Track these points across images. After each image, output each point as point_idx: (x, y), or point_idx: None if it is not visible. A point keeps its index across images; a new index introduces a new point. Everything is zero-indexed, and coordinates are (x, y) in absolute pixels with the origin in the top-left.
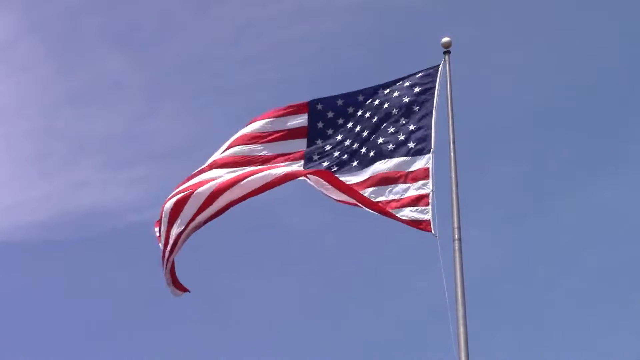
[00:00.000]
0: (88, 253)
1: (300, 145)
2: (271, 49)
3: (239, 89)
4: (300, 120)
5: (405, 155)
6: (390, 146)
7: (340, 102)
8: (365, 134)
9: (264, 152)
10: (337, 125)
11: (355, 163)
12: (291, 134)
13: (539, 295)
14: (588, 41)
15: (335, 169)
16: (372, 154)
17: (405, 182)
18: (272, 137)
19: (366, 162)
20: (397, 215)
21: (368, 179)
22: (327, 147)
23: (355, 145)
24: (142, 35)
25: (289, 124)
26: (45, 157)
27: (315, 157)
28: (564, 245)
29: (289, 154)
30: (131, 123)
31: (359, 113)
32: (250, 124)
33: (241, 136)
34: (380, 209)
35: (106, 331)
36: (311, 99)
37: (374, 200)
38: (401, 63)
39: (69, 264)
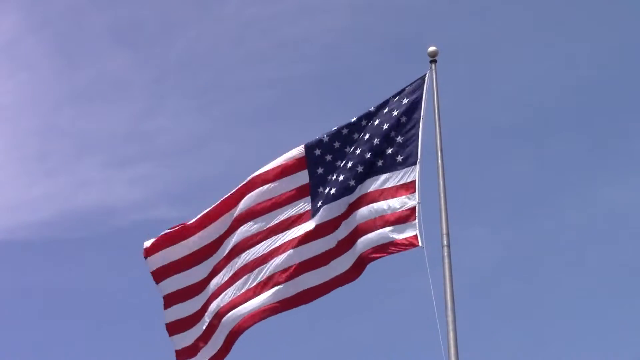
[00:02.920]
0: (91, 252)
1: (305, 205)
2: (274, 47)
3: (242, 87)
4: (301, 176)
5: (394, 170)
6: (380, 162)
7: (337, 144)
8: (359, 151)
9: (268, 225)
10: (337, 168)
11: (352, 182)
12: (294, 196)
13: (541, 294)
14: (591, 38)
15: (334, 191)
16: (361, 169)
17: (393, 197)
18: (275, 204)
19: (359, 179)
20: (382, 241)
21: (358, 199)
22: (330, 178)
23: (350, 164)
24: (145, 34)
25: (290, 185)
26: (48, 156)
27: (319, 203)
28: (568, 243)
29: (295, 217)
30: (134, 121)
31: (358, 136)
32: (249, 188)
33: (245, 212)
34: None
35: (109, 330)
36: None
37: (363, 222)
38: (404, 61)
39: (72, 262)
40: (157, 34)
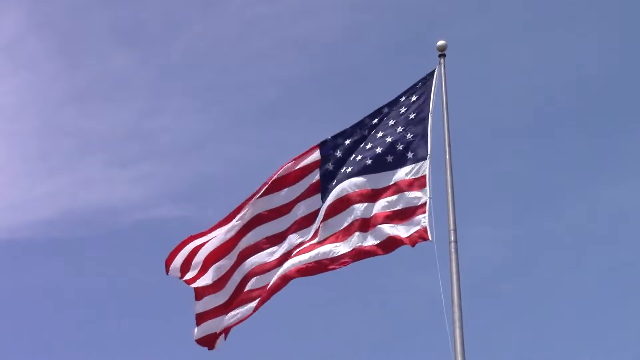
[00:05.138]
0: (93, 251)
1: (315, 202)
2: (277, 45)
3: (244, 86)
4: (313, 175)
5: (404, 166)
6: (390, 159)
7: (348, 141)
8: (369, 147)
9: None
10: (347, 156)
11: (355, 171)
12: (305, 195)
13: (543, 293)
14: (595, 37)
15: (334, 182)
16: (369, 162)
17: (404, 192)
18: (288, 207)
19: (366, 172)
20: (391, 233)
21: (368, 194)
22: (337, 172)
23: (359, 157)
24: (147, 32)
25: (303, 187)
26: (50, 155)
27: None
28: (569, 243)
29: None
30: (137, 120)
31: (369, 133)
32: (266, 189)
33: (258, 215)
34: (369, 253)
35: (111, 329)
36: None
37: (369, 216)
38: (406, 59)
39: (74, 261)
40: (159, 33)
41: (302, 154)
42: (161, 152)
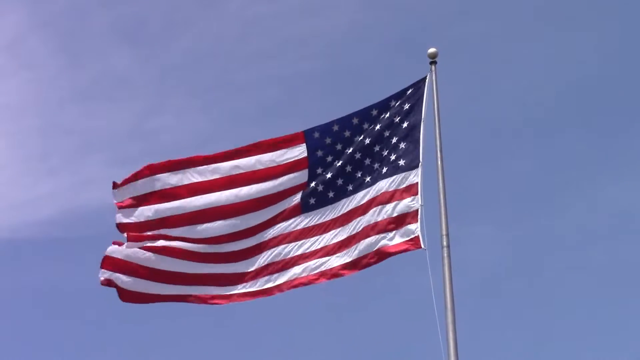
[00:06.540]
0: (94, 250)
1: (302, 177)
2: (278, 45)
3: (246, 86)
4: (299, 151)
5: (396, 174)
6: (383, 168)
7: (335, 127)
8: (359, 157)
9: (261, 195)
10: (336, 152)
11: (350, 187)
12: (290, 166)
13: (545, 293)
14: (593, 36)
15: (332, 194)
16: (368, 179)
17: (394, 201)
18: (269, 173)
19: (360, 187)
20: (383, 243)
21: (361, 204)
22: (329, 176)
23: (351, 170)
24: (148, 32)
25: (286, 156)
26: (51, 154)
27: (312, 201)
28: (571, 242)
29: (289, 189)
30: (138, 120)
31: (355, 137)
32: (240, 154)
33: (234, 176)
34: (358, 266)
35: (111, 329)
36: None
37: (364, 227)
38: (408, 59)
39: (75, 261)
40: (161, 32)
41: (285, 142)
42: (162, 151)
